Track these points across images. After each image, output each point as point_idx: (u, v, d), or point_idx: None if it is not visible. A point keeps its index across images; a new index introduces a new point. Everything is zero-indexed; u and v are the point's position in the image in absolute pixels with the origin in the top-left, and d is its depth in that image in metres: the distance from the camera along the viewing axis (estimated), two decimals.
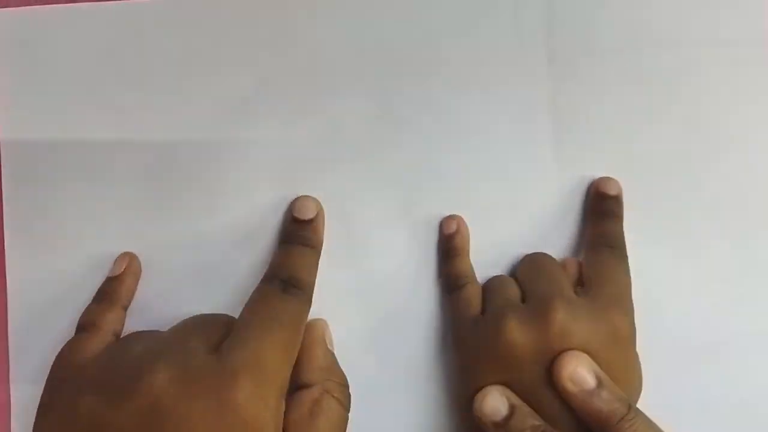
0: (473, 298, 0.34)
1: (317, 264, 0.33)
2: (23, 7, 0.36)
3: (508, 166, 0.36)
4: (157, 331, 0.32)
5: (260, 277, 0.32)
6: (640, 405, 0.31)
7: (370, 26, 0.35)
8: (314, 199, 0.35)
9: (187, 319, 0.32)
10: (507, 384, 0.31)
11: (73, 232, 0.36)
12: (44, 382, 0.35)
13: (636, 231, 0.35)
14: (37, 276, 0.36)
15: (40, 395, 0.34)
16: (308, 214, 0.34)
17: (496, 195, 0.36)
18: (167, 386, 0.27)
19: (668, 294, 0.36)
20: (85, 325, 0.33)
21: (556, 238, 0.36)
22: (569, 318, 0.31)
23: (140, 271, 0.35)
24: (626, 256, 0.34)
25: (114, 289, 0.34)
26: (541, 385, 0.31)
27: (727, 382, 0.36)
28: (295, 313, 0.30)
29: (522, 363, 0.31)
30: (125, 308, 0.35)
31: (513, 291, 0.34)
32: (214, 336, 0.29)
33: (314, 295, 0.32)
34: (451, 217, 0.35)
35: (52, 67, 0.36)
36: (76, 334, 0.33)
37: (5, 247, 0.36)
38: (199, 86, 0.35)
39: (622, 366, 0.32)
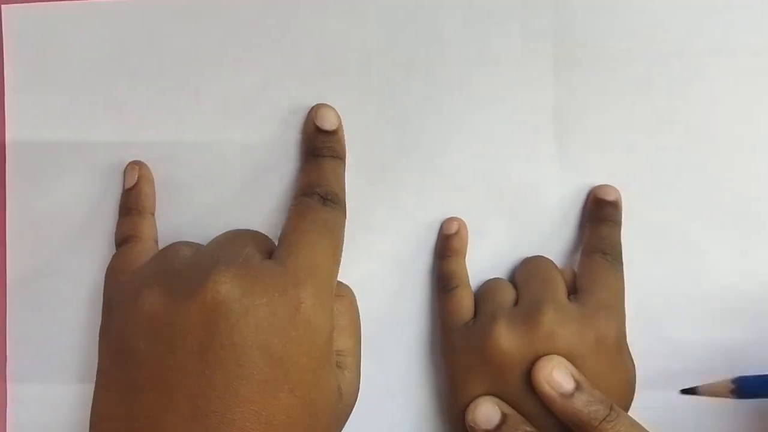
0: (465, 302, 0.34)
1: (344, 176, 0.34)
2: (30, 3, 0.36)
3: (510, 172, 0.36)
4: (198, 243, 0.33)
5: None
6: (636, 409, 0.32)
7: (376, 29, 0.35)
8: (333, 108, 0.35)
9: (227, 233, 0.32)
10: (496, 391, 0.31)
11: (75, 231, 0.36)
12: (41, 382, 0.35)
13: (637, 239, 0.35)
14: (38, 274, 0.36)
15: (36, 394, 0.34)
16: (331, 124, 0.34)
17: (498, 200, 0.36)
18: (230, 285, 0.27)
19: (667, 303, 0.35)
20: (125, 239, 0.34)
21: (557, 245, 0.36)
22: (557, 322, 0.31)
23: (152, 175, 0.35)
24: (620, 263, 0.34)
25: (136, 199, 0.34)
26: (529, 391, 0.31)
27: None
28: (338, 222, 0.32)
29: (510, 368, 0.31)
30: (153, 215, 0.35)
31: (507, 294, 0.34)
32: (263, 246, 0.31)
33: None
34: (453, 219, 0.35)
35: (58, 63, 0.36)
36: (118, 248, 0.34)
37: (6, 245, 0.36)
38: (203, 85, 0.36)
39: (609, 372, 0.32)
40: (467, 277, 0.35)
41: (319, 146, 0.34)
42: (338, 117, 0.34)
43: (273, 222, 0.36)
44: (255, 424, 0.26)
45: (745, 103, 0.35)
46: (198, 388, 0.26)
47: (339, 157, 0.34)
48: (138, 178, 0.35)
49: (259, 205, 0.36)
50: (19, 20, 0.36)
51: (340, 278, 0.34)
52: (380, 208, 0.36)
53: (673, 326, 0.35)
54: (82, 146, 0.36)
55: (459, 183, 0.36)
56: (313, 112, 0.35)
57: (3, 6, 0.36)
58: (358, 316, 0.33)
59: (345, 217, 0.32)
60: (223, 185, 0.36)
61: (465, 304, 0.34)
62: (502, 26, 0.35)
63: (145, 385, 0.27)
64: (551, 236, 0.36)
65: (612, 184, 0.35)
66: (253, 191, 0.36)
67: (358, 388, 0.32)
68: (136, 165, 0.35)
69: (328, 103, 0.35)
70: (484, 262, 0.36)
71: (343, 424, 0.31)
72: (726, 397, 0.33)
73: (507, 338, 0.31)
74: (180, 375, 0.27)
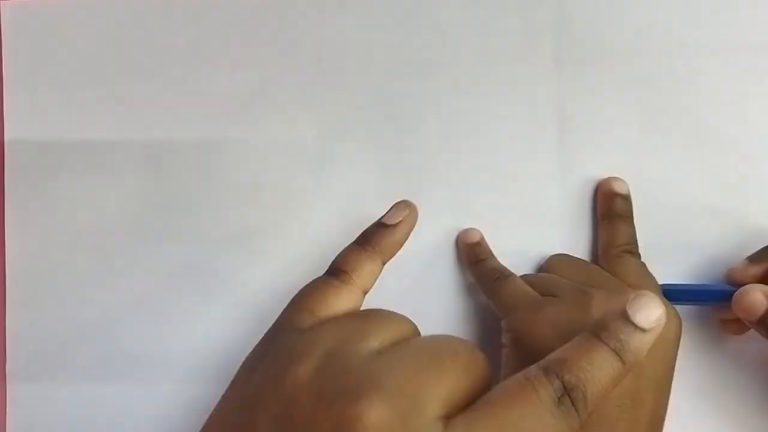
0: (525, 285, 0.33)
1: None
2: (29, 0, 0.36)
3: (511, 169, 0.36)
4: (405, 334, 0.27)
5: (261, 271, 0.32)
6: None
7: (377, 26, 0.36)
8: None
9: (439, 345, 0.25)
10: None
11: (74, 229, 0.36)
12: (40, 382, 0.35)
13: (639, 235, 0.35)
14: (37, 273, 0.36)
15: (35, 394, 0.34)
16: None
17: (500, 196, 0.36)
18: (379, 418, 0.22)
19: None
20: (338, 271, 0.29)
21: (559, 240, 0.36)
22: None
23: (414, 224, 0.31)
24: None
25: (383, 237, 0.30)
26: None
27: (725, 393, 0.36)
28: None
29: None
30: (384, 263, 0.30)
31: (568, 282, 0.33)
32: (454, 394, 0.24)
33: None
34: (469, 230, 0.36)
35: (57, 60, 0.36)
36: (326, 274, 0.29)
37: (5, 244, 0.36)
38: (203, 83, 0.36)
39: (674, 366, 0.32)
40: None
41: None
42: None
43: (271, 221, 0.36)
44: None
45: (745, 99, 0.35)
46: None
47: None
48: (403, 218, 0.31)
49: (257, 203, 0.36)
50: (19, 17, 0.36)
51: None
52: (380, 207, 0.36)
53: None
54: (80, 144, 0.36)
55: (460, 180, 0.36)
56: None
57: (2, 2, 0.36)
58: None
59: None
60: (220, 182, 0.36)
61: (527, 287, 0.33)
62: (502, 23, 0.35)
63: None
64: (553, 232, 0.36)
65: None
66: (250, 188, 0.36)
67: None
68: (407, 206, 0.31)
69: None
70: None
71: None
72: None
73: None
74: None
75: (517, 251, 0.36)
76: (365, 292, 0.29)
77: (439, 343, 0.26)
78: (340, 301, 0.28)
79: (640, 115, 0.35)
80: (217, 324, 0.35)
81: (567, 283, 0.33)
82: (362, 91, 0.36)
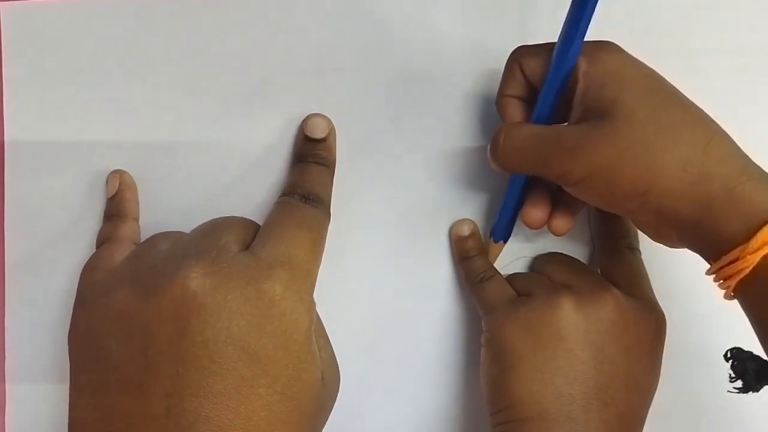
0: (506, 286, 0.34)
1: (332, 182, 0.34)
2: (29, 1, 0.36)
3: None
4: (182, 232, 0.32)
5: None
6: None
7: (374, 28, 0.36)
8: (325, 117, 0.35)
9: (214, 219, 0.31)
10: (565, 368, 0.30)
11: (75, 229, 0.36)
12: (40, 382, 0.34)
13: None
14: (37, 273, 0.36)
15: (34, 394, 0.34)
16: (320, 133, 0.34)
17: (498, 199, 0.36)
18: (201, 279, 0.27)
19: (667, 297, 0.35)
20: (104, 240, 0.33)
21: (558, 240, 0.36)
22: (623, 309, 0.31)
23: (134, 183, 0.35)
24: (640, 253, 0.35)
25: (117, 206, 0.34)
26: (590, 372, 0.30)
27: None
28: (319, 219, 0.31)
29: (573, 344, 0.31)
30: (136, 220, 0.35)
31: (548, 280, 0.34)
32: (244, 235, 0.30)
33: (313, 296, 0.32)
34: (462, 221, 0.35)
35: (57, 61, 0.36)
36: (97, 248, 0.33)
37: (5, 243, 0.36)
38: (203, 84, 0.36)
39: (660, 360, 0.32)
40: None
41: (306, 153, 0.34)
42: (329, 126, 0.34)
43: None
44: (234, 420, 0.26)
45: (742, 101, 0.35)
46: (171, 387, 0.26)
47: (325, 164, 0.34)
48: (119, 185, 0.35)
49: (256, 204, 0.35)
50: (18, 18, 0.36)
51: (339, 279, 0.35)
52: (378, 208, 0.36)
53: (671, 323, 0.35)
54: (80, 144, 0.36)
55: (458, 181, 0.36)
56: (305, 121, 0.35)
57: (2, 4, 0.36)
58: None
59: (328, 219, 0.32)
60: (220, 184, 0.36)
61: (507, 287, 0.34)
62: (499, 25, 0.35)
63: (118, 386, 0.27)
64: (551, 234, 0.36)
65: None
66: (251, 190, 0.36)
67: (338, 368, 0.31)
68: (117, 173, 0.35)
69: (320, 113, 0.35)
70: None
71: (330, 412, 0.30)
72: None
73: (575, 313, 0.31)
74: (153, 374, 0.26)
75: (515, 250, 0.36)
76: (135, 243, 0.34)
77: (211, 221, 0.31)
78: (116, 252, 0.32)
79: None
80: None
81: (545, 282, 0.33)
82: (359, 92, 0.36)
